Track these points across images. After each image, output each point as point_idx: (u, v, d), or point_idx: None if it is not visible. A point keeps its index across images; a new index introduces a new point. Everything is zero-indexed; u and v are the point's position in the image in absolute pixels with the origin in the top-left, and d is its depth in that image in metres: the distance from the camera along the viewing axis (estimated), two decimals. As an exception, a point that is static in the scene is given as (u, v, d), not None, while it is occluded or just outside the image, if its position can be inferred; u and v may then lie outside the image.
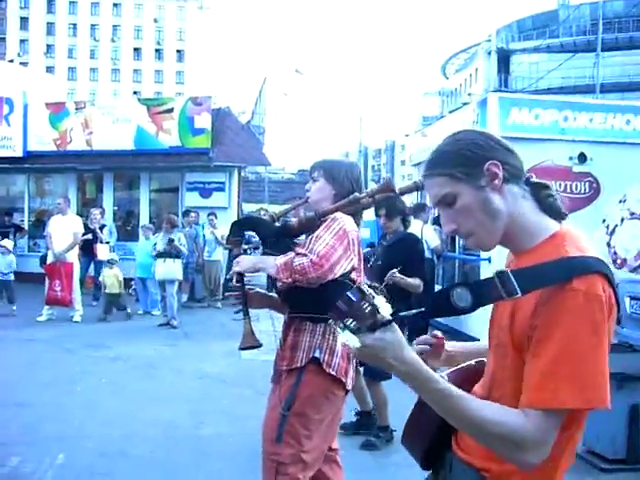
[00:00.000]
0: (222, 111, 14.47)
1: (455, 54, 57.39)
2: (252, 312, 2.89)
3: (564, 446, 1.42)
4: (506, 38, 47.68)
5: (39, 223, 15.22)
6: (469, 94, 40.99)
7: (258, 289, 2.99)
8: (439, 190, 1.51)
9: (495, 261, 7.94)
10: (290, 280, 2.56)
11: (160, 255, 10.27)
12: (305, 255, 2.57)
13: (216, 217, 12.82)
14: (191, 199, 14.32)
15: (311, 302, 2.61)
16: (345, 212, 2.73)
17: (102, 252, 12.00)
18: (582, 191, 8.19)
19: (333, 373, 2.69)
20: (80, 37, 77.86)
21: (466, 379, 1.65)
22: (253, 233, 2.98)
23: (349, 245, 2.66)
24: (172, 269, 10.30)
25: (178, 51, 79.63)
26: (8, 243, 11.00)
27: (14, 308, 10.39)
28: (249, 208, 46.23)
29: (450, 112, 20.00)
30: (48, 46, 76.89)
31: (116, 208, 15.50)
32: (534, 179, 1.54)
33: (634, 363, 7.04)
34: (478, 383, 1.62)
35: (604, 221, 8.34)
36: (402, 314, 1.37)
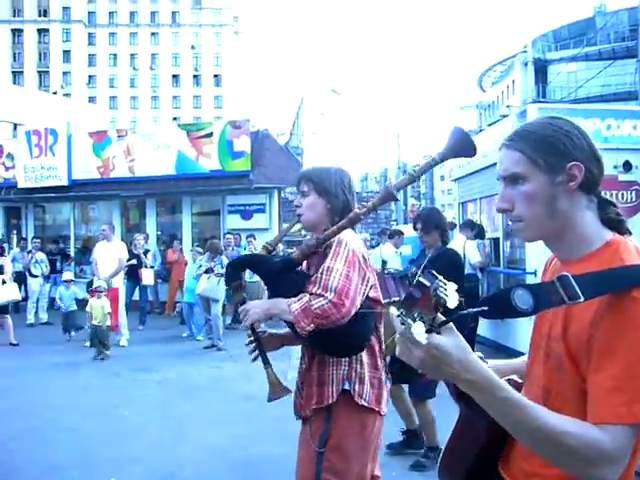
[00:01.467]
0: (261, 133, 14.60)
1: (491, 67, 56.95)
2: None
3: (631, 462, 1.36)
4: (542, 48, 47.14)
5: (85, 250, 15.55)
6: (508, 106, 40.57)
7: (269, 331, 2.76)
8: (512, 166, 1.47)
9: (541, 274, 7.81)
10: (312, 327, 2.33)
11: (206, 272, 10.24)
12: (322, 295, 2.33)
13: (255, 239, 12.88)
14: (232, 221, 14.46)
15: (340, 338, 2.40)
16: (352, 227, 2.52)
17: (147, 277, 12.17)
18: (629, 200, 8.01)
19: (365, 404, 2.50)
20: (120, 67, 79.90)
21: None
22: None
23: (361, 266, 2.46)
24: (214, 287, 10.15)
25: (215, 76, 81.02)
26: (69, 275, 11.07)
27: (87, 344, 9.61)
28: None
29: (489, 125, 19.89)
30: (90, 77, 79.03)
31: (159, 232, 15.73)
32: (603, 195, 1.50)
33: None
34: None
35: (652, 229, 8.18)
36: (463, 312, 1.28)
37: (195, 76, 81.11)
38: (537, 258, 8.00)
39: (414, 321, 1.22)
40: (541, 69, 45.96)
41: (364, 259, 2.50)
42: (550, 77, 45.48)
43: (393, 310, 1.28)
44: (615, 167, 7.94)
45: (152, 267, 12.51)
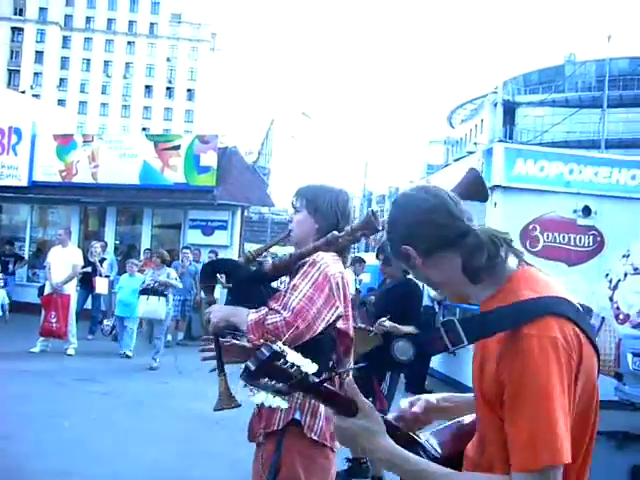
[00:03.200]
0: (229, 150, 14.56)
1: (462, 104, 57.95)
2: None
3: None
4: (512, 91, 48.19)
5: (40, 253, 15.21)
6: (475, 143, 41.25)
7: (234, 340, 2.57)
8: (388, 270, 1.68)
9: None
10: (262, 341, 2.17)
11: (143, 292, 9.63)
12: (278, 312, 2.25)
13: (216, 255, 12.77)
14: (193, 236, 14.30)
15: None
16: (329, 250, 2.41)
17: (101, 286, 11.93)
18: (586, 244, 8.14)
19: (315, 438, 2.37)
20: (93, 72, 79.16)
21: (457, 436, 1.58)
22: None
23: (331, 292, 2.32)
24: (156, 308, 9.58)
25: (189, 90, 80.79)
26: None
27: None
28: (251, 248, 46.27)
29: (455, 160, 20.12)
30: (61, 80, 78.14)
31: (118, 242, 15.48)
32: (468, 231, 1.47)
33: (636, 422, 6.92)
34: (470, 442, 1.53)
35: (607, 275, 8.31)
36: (340, 370, 1.44)
37: (168, 88, 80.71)
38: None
39: (262, 388, 1.28)
40: (510, 111, 46.93)
41: (337, 286, 2.36)
42: (518, 119, 46.46)
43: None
44: (575, 211, 8.08)
45: (107, 276, 12.27)
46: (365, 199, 45.63)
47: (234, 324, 2.38)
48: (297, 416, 2.37)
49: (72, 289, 10.39)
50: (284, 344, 2.20)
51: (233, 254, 14.30)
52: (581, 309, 1.35)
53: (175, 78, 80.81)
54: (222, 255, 13.35)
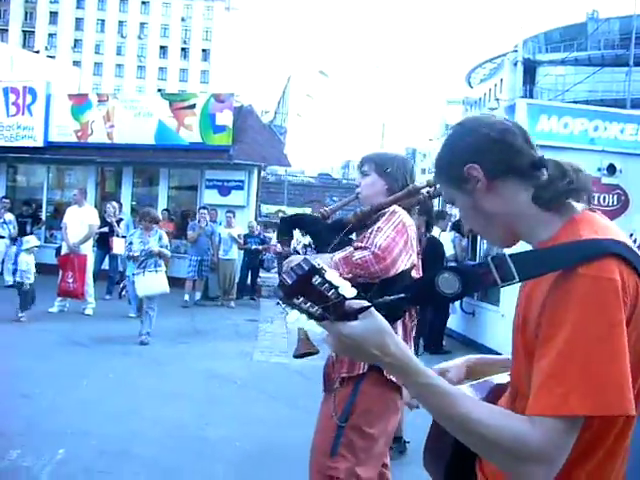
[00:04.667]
0: (244, 109, 14.36)
1: (481, 64, 56.87)
2: (267, 314, 2.70)
3: (590, 464, 1.20)
4: (533, 49, 47.20)
5: (57, 214, 15.18)
6: (497, 99, 40.59)
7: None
8: (444, 193, 1.50)
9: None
10: (350, 275, 2.35)
11: (138, 266, 8.41)
12: (366, 248, 2.40)
13: (234, 216, 12.72)
14: (210, 197, 14.20)
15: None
16: (410, 200, 2.62)
17: (118, 246, 11.91)
18: (610, 203, 7.94)
19: (394, 380, 2.44)
20: (108, 33, 78.50)
21: (496, 393, 1.46)
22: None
23: (409, 240, 2.51)
24: (155, 282, 8.41)
25: (204, 50, 79.97)
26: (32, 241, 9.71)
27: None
28: (267, 209, 46.28)
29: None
30: (76, 41, 77.60)
31: (134, 203, 15.42)
32: (545, 161, 1.35)
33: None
34: (503, 396, 1.43)
35: (631, 235, 8.09)
36: (379, 301, 1.22)
37: (183, 49, 79.94)
38: (514, 252, 7.92)
39: (297, 308, 1.15)
40: (530, 70, 46.03)
41: (411, 237, 2.54)
42: (538, 78, 45.57)
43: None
44: (599, 169, 7.85)
45: (124, 237, 12.23)
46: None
47: None
48: None
49: (89, 249, 10.36)
50: (373, 278, 2.36)
51: (250, 215, 14.23)
52: None
53: (190, 38, 79.94)
54: (239, 216, 13.30)
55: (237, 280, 12.91)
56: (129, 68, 79.07)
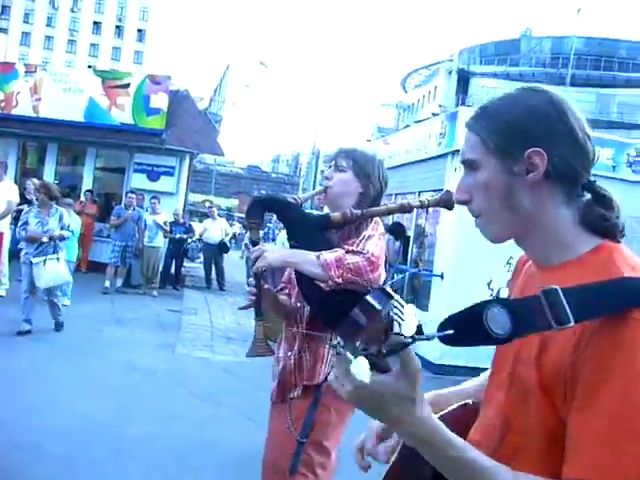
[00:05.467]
0: (180, 93, 13.97)
1: (416, 69, 57.69)
2: (190, 305, 2.48)
3: None
4: (468, 60, 48.25)
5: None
6: (440, 105, 41.14)
7: (270, 288, 2.51)
8: (468, 150, 1.22)
9: (448, 278, 7.76)
10: (341, 280, 2.20)
11: (36, 250, 7.44)
12: (359, 253, 2.27)
13: (159, 202, 12.28)
14: (138, 181, 13.72)
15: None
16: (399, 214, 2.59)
17: (37, 225, 11.34)
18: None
19: None
20: (38, 2, 75.40)
21: (456, 421, 1.29)
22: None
23: (381, 255, 2.40)
24: (58, 272, 7.51)
25: (139, 30, 77.91)
26: None
27: None
28: (193, 197, 45.52)
29: (416, 122, 19.69)
30: (3, 7, 74.18)
31: (57, 182, 14.72)
32: (599, 189, 1.19)
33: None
34: (473, 427, 1.29)
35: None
36: (419, 337, 0.95)
37: (118, 27, 77.60)
38: (445, 260, 7.96)
39: (354, 354, 0.93)
40: (464, 79, 47.04)
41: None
42: (471, 89, 46.56)
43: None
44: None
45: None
46: (314, 157, 45.18)
47: (293, 266, 2.34)
48: None
49: (6, 227, 9.79)
50: (364, 286, 2.18)
51: (179, 202, 13.85)
52: None
53: (126, 17, 77.69)
54: (167, 203, 12.93)
55: (161, 269, 12.54)
56: (59, 41, 76.19)
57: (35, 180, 11.79)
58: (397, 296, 0.95)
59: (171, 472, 4.20)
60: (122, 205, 12.41)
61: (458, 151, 7.84)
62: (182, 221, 13.32)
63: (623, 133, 27.29)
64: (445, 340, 1.02)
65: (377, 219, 2.45)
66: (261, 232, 2.61)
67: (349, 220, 2.34)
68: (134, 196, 12.14)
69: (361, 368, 0.92)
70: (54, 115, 13.51)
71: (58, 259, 7.51)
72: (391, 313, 0.93)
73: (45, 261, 7.37)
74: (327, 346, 2.37)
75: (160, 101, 13.28)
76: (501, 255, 8.14)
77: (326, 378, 2.30)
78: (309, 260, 2.24)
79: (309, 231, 2.35)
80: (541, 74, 43.52)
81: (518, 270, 1.38)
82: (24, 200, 10.98)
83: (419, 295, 8.77)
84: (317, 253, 2.24)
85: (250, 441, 4.74)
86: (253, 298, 2.38)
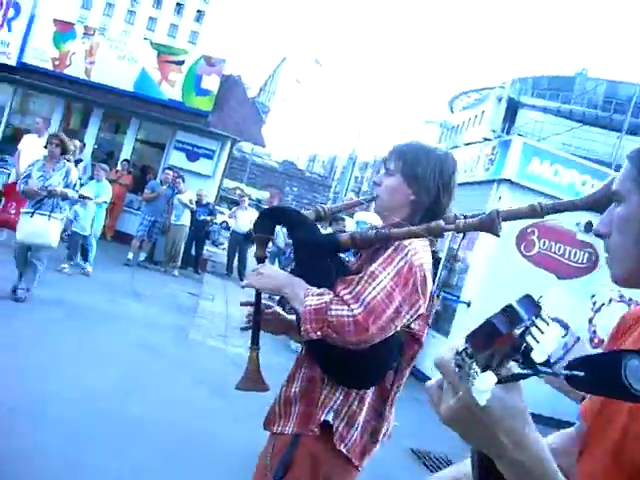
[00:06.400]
0: (232, 78, 13.89)
1: (466, 92, 57.34)
2: (209, 290, 2.21)
3: None
4: (519, 90, 47.81)
5: (13, 140, 14.41)
6: (493, 130, 40.71)
7: (276, 308, 2.24)
8: (620, 181, 1.13)
9: (475, 307, 7.55)
10: (319, 335, 1.79)
11: (32, 204, 6.73)
12: (347, 305, 1.79)
13: (183, 180, 12.03)
14: (176, 159, 13.66)
15: (352, 360, 1.84)
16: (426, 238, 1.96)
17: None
18: (580, 260, 7.83)
19: (344, 450, 1.92)
20: (105, -31, 76.22)
21: None
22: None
23: (415, 287, 1.86)
24: (43, 231, 6.64)
25: (199, 11, 78.42)
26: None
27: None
28: (226, 184, 45.63)
29: (465, 144, 19.36)
30: (70, -32, 75.10)
31: (96, 146, 14.75)
32: None
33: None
34: None
35: (593, 297, 8.02)
36: (545, 370, 0.81)
37: (178, 4, 78.27)
38: (475, 288, 7.75)
39: (481, 367, 0.77)
40: (512, 109, 46.59)
41: (424, 281, 1.89)
42: (518, 120, 46.12)
43: (454, 343, 0.83)
44: (577, 224, 7.74)
45: (79, 178, 11.63)
46: (350, 162, 45.06)
47: (286, 297, 1.94)
48: (329, 418, 1.93)
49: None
50: (345, 346, 1.77)
51: (214, 186, 13.77)
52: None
53: (188, -5, 78.29)
54: (203, 185, 12.85)
55: (184, 248, 12.44)
56: (119, 9, 76.96)
57: (76, 141, 11.78)
58: (545, 311, 0.83)
59: (164, 459, 4.06)
60: (158, 180, 12.34)
61: (506, 180, 7.64)
62: (205, 202, 13.01)
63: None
64: (573, 382, 0.85)
65: (407, 244, 1.90)
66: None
67: (359, 243, 1.96)
68: (171, 173, 12.05)
69: (486, 385, 0.77)
70: (104, 80, 13.51)
71: (50, 217, 6.65)
72: (530, 330, 0.80)
73: (34, 213, 6.63)
74: (324, 385, 1.95)
75: (211, 83, 13.21)
76: (533, 292, 7.93)
77: (324, 426, 1.93)
78: (298, 297, 1.86)
79: (310, 254, 1.99)
80: (591, 115, 42.97)
81: (627, 327, 1.21)
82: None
83: (441, 318, 8.56)
84: (309, 290, 1.87)
85: (249, 440, 4.61)
86: (250, 324, 2.13)
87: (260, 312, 2.12)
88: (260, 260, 2.08)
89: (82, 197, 7.64)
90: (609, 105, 42.91)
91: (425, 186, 2.02)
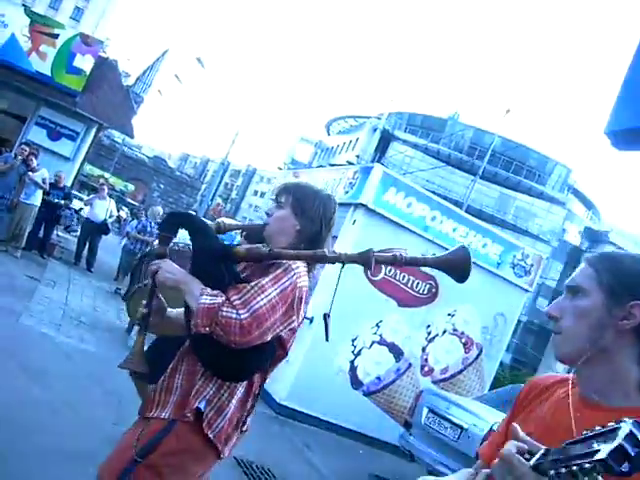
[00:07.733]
0: (108, 61, 13.49)
1: (344, 117, 58.82)
2: (51, 277, 2.29)
3: None
4: (394, 123, 49.69)
5: None
6: (357, 156, 41.78)
7: (166, 305, 2.45)
8: (580, 278, 1.42)
9: (316, 324, 7.72)
10: (207, 330, 2.06)
11: None
12: (236, 309, 2.07)
13: (36, 156, 11.37)
14: (36, 135, 13.01)
15: (231, 356, 2.12)
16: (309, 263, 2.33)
17: None
18: (421, 291, 8.23)
19: (210, 435, 2.16)
20: None
21: None
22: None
23: (292, 304, 2.18)
24: None
25: (86, -12, 75.21)
26: None
27: None
28: (89, 169, 43.81)
29: (331, 165, 19.86)
30: None
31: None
32: None
33: (405, 471, 7.06)
34: None
35: (428, 327, 8.44)
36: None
37: (65, -23, 74.70)
38: (319, 306, 7.92)
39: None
40: (385, 140, 48.36)
41: (300, 300, 2.21)
42: (389, 151, 47.89)
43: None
44: (423, 254, 8.12)
45: None
46: (222, 167, 44.71)
47: (182, 292, 2.20)
48: (202, 405, 2.18)
49: None
50: (228, 344, 2.06)
51: (73, 170, 13.22)
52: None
53: (76, -30, 74.97)
54: (59, 166, 12.29)
55: (29, 229, 11.79)
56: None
57: None
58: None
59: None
60: (12, 154, 11.67)
61: (362, 205, 7.88)
62: (61, 185, 12.42)
63: (513, 236, 28.77)
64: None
65: (293, 267, 2.22)
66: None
67: (251, 257, 2.24)
68: (27, 148, 11.41)
69: None
70: (-32, 41, 12.67)
71: None
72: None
73: None
74: (200, 377, 2.19)
75: (85, 63, 12.77)
76: (371, 318, 8.25)
77: (197, 414, 2.16)
78: (194, 294, 2.13)
79: (207, 259, 2.24)
80: (456, 159, 45.43)
81: (538, 393, 1.50)
82: None
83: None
84: (205, 290, 2.13)
85: (66, 434, 4.45)
86: (145, 311, 2.32)
87: (151, 305, 2.33)
88: (159, 256, 2.31)
89: None
90: (474, 151, 45.55)
91: (310, 219, 2.36)
